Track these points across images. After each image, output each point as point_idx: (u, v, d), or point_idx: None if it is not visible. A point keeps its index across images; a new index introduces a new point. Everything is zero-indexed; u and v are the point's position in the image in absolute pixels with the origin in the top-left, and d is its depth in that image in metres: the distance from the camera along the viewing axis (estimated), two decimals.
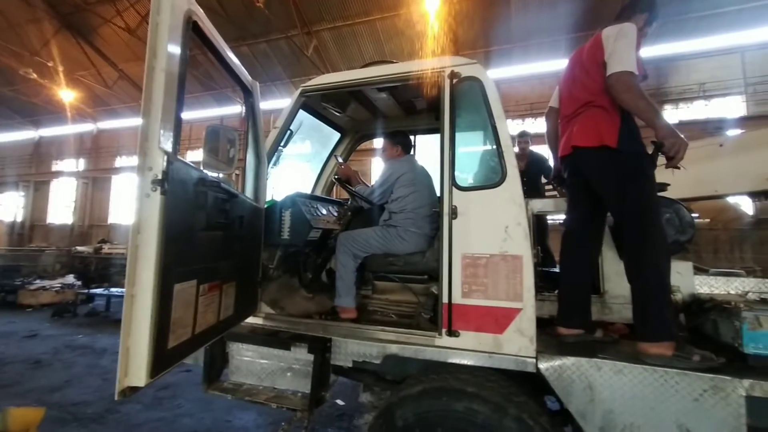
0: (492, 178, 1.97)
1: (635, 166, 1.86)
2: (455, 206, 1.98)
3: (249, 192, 2.24)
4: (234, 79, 2.05)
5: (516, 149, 4.81)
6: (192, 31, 1.50)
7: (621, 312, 2.32)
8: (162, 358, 1.23)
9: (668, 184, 2.61)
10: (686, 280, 2.27)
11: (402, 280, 2.41)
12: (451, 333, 1.93)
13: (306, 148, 3.42)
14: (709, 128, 9.64)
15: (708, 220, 10.56)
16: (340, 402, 4.02)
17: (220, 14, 12.38)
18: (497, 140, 1.95)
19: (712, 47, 10.88)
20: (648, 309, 1.75)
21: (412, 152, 2.86)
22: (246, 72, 2.13)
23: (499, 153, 1.95)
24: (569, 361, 1.75)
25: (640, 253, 1.81)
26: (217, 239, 1.68)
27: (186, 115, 19.42)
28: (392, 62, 2.40)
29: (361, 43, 12.88)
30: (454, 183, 2.00)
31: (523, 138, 4.76)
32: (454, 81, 2.05)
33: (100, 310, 8.47)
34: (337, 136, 3.28)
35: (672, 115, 10.98)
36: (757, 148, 4.35)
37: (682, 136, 1.74)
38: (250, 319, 2.33)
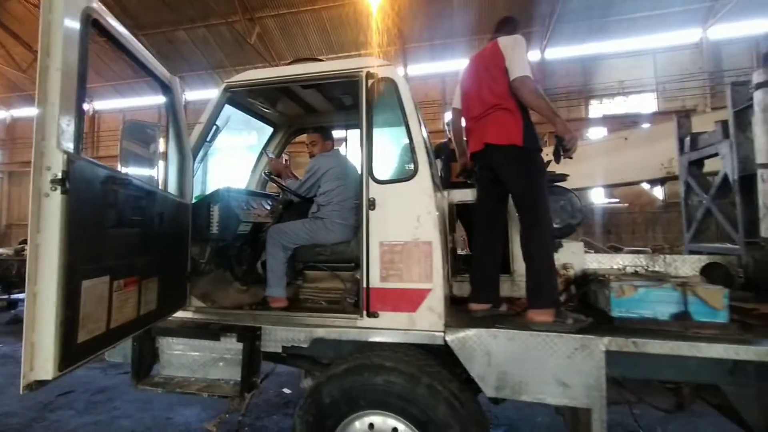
0: (406, 172, 2.16)
1: (534, 161, 2.15)
2: (373, 198, 2.15)
3: (173, 188, 2.25)
4: (149, 75, 2.04)
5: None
6: (93, 27, 1.50)
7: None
8: (71, 352, 1.27)
9: (567, 175, 2.97)
10: (578, 257, 2.63)
11: (330, 269, 2.55)
12: (371, 314, 2.11)
13: (239, 142, 3.42)
14: (627, 122, 10.72)
15: (627, 204, 11.80)
16: (286, 390, 4.12)
17: None
18: (410, 137, 2.14)
19: (629, 48, 12.05)
20: (535, 282, 2.04)
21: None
22: (162, 67, 2.12)
23: (412, 149, 2.13)
24: (471, 332, 1.99)
25: (533, 235, 2.10)
26: (133, 236, 1.71)
27: (119, 103, 18.03)
28: (319, 59, 2.49)
29: (307, 32, 12.66)
30: (372, 176, 2.16)
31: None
32: (371, 81, 2.19)
33: (23, 317, 7.77)
34: (269, 130, 3.32)
35: (597, 109, 12.06)
36: (654, 141, 4.97)
37: (574, 134, 2.05)
38: (180, 313, 2.36)
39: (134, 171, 2.06)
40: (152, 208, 1.86)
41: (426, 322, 2.05)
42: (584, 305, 2.38)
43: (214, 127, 2.55)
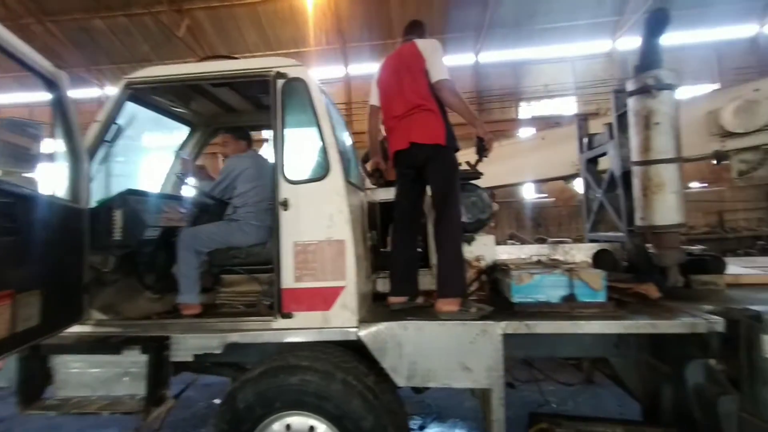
0: (318, 172, 2.18)
1: (454, 160, 2.27)
2: (286, 198, 2.14)
3: (65, 192, 2.07)
4: (29, 71, 1.86)
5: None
6: None
7: None
8: None
9: (482, 173, 3.17)
10: (489, 249, 2.82)
11: (247, 272, 2.50)
12: (285, 315, 2.10)
13: (155, 142, 3.22)
14: (552, 122, 11.66)
15: (554, 198, 12.83)
16: (217, 401, 3.95)
17: None
18: (321, 138, 2.16)
19: (553, 55, 13.15)
20: (443, 273, 2.17)
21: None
22: (44, 61, 1.94)
23: (324, 149, 2.16)
24: (383, 326, 2.07)
25: (444, 229, 2.22)
26: (4, 245, 1.55)
27: (24, 97, 15.97)
28: (232, 57, 2.42)
29: (243, 27, 12.17)
30: (284, 177, 2.15)
31: None
32: (282, 81, 2.18)
33: None
34: (186, 130, 3.16)
35: (527, 110, 12.99)
36: (566, 141, 5.44)
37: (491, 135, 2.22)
38: (77, 328, 2.18)
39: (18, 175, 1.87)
40: (30, 213, 1.70)
41: (340, 319, 2.09)
42: (495, 294, 2.56)
43: (115, 126, 2.38)
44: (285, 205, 2.13)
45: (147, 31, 11.96)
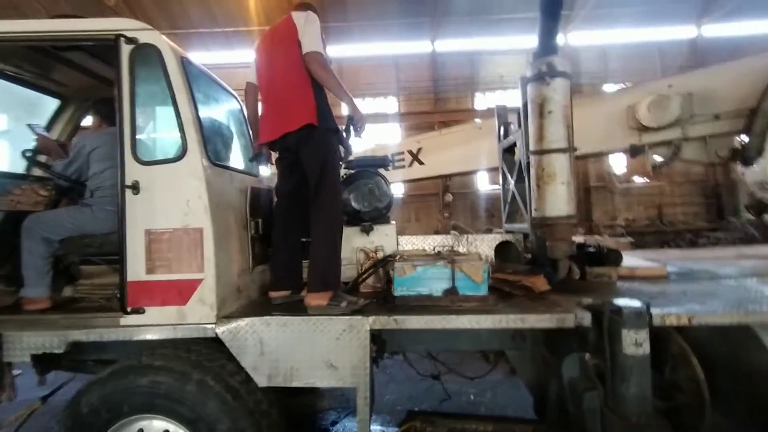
0: (174, 152, 1.95)
1: (327, 141, 2.09)
2: (136, 181, 1.90)
3: None
4: None
5: None
6: None
7: (346, 272, 2.63)
8: None
9: (388, 159, 3.03)
10: (390, 240, 2.70)
11: (106, 262, 2.24)
12: (135, 310, 1.89)
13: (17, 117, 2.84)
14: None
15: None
16: None
17: None
18: (177, 113, 1.92)
19: (507, 47, 13.24)
20: (313, 265, 2.01)
21: None
22: None
23: (180, 126, 1.92)
24: (243, 322, 1.90)
25: (316, 217, 2.06)
26: None
27: None
28: (81, 17, 2.11)
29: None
30: (135, 156, 1.91)
31: None
32: (130, 47, 1.92)
33: None
34: (55, 103, 2.79)
35: (482, 101, 13.06)
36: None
37: (363, 112, 2.04)
38: None
39: None
40: None
41: (197, 315, 1.90)
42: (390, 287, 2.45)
43: None
44: (135, 188, 1.89)
45: None
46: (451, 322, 1.90)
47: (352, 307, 1.95)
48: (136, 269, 1.89)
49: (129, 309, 1.88)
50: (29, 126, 2.31)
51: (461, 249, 2.86)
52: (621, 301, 1.77)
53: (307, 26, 2.03)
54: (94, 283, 2.32)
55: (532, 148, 2.49)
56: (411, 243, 2.88)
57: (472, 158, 6.24)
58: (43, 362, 2.04)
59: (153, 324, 1.90)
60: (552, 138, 2.36)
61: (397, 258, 2.37)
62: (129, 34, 1.91)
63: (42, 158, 2.37)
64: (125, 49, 1.91)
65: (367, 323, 1.88)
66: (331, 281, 2.00)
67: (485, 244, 2.90)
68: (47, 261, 2.13)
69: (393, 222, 2.79)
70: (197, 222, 1.91)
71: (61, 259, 2.26)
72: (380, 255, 2.63)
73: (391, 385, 3.72)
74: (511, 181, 3.33)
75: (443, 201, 12.84)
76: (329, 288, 1.98)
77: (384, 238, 2.68)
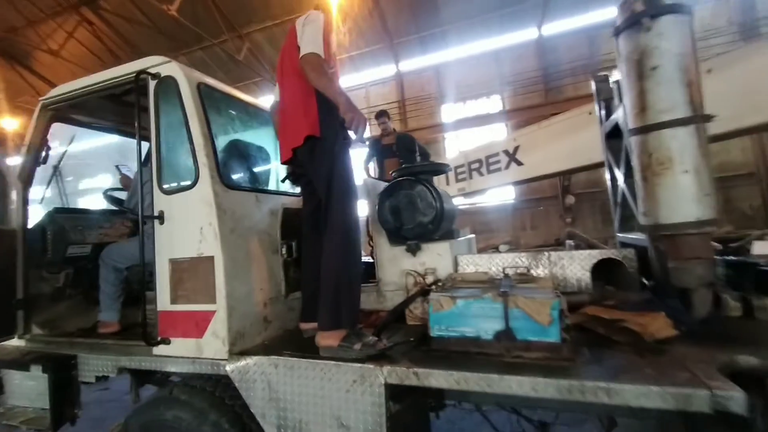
0: (188, 179, 1.91)
1: (331, 152, 1.80)
2: (162, 211, 1.93)
3: None
4: None
5: (379, 129, 4.98)
6: None
7: (394, 299, 2.28)
8: None
9: (447, 165, 2.57)
10: (445, 261, 2.23)
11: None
12: (163, 340, 1.88)
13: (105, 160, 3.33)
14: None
15: None
16: None
17: (149, 26, 12.14)
18: (190, 140, 1.89)
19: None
20: (322, 296, 1.71)
21: None
22: None
23: (192, 152, 1.88)
24: (251, 360, 1.71)
25: (326, 241, 1.76)
26: None
27: None
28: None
29: None
30: (160, 187, 1.94)
31: (380, 119, 4.91)
32: (155, 82, 1.98)
33: None
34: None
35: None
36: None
37: (361, 111, 1.71)
38: (15, 342, 2.30)
39: None
40: None
41: (212, 349, 1.79)
42: None
43: (45, 147, 2.45)
44: (161, 218, 1.92)
45: (218, 59, 13.19)
46: (493, 385, 1.34)
47: (367, 352, 1.56)
48: (163, 299, 1.90)
49: (159, 338, 1.88)
50: (116, 167, 2.63)
51: (540, 271, 2.18)
52: None
53: (305, 28, 1.79)
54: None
55: (630, 125, 1.73)
56: (474, 263, 2.31)
57: (583, 151, 5.11)
58: (138, 376, 2.18)
59: (176, 356, 1.86)
60: (660, 106, 1.57)
61: (439, 285, 1.89)
62: (152, 70, 1.97)
63: (121, 194, 2.68)
64: (151, 85, 1.98)
65: (381, 375, 1.47)
66: (343, 317, 1.66)
67: (576, 263, 2.15)
68: (118, 287, 2.35)
69: (456, 239, 2.30)
70: (209, 250, 1.82)
71: (132, 285, 2.46)
72: (429, 279, 2.18)
73: None
74: (620, 176, 2.48)
75: (564, 204, 11.04)
76: (341, 325, 1.64)
77: (436, 259, 2.22)
